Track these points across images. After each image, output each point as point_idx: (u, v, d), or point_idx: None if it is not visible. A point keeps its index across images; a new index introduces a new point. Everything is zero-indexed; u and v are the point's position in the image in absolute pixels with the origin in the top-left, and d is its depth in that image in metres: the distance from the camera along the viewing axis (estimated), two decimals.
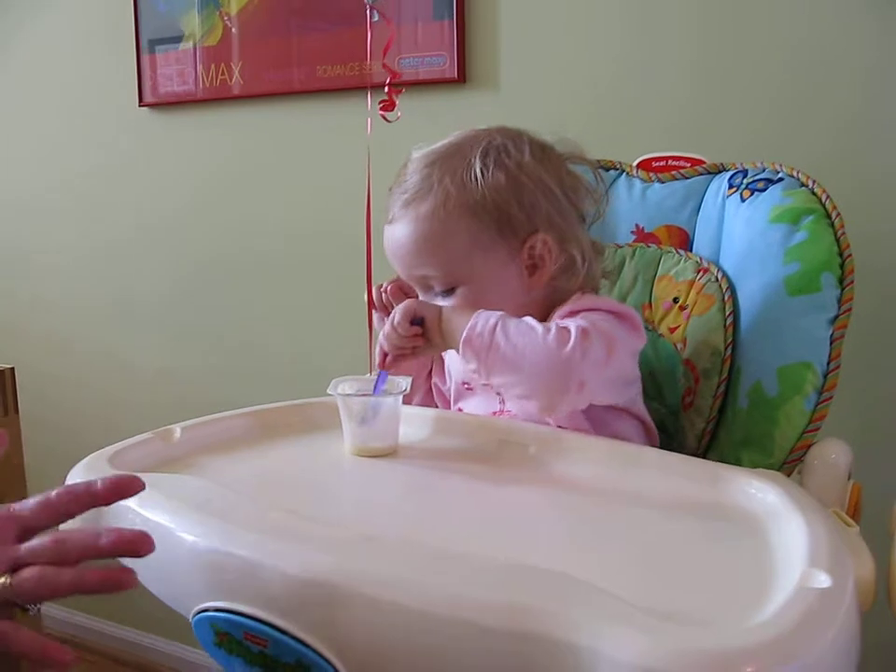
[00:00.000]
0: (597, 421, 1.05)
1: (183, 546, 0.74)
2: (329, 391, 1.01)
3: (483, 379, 0.99)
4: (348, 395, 1.01)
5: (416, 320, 1.01)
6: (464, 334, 0.97)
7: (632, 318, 1.05)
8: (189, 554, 0.74)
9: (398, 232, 1.07)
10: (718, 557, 0.76)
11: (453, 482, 0.93)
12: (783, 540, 0.76)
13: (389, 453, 1.01)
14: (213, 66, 1.98)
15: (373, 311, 1.18)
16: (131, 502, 0.77)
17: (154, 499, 0.79)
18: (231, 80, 1.96)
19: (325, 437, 1.07)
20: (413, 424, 1.08)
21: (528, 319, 0.98)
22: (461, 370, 1.16)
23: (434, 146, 1.10)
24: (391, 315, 1.02)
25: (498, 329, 0.96)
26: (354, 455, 1.01)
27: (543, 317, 1.06)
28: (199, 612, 0.72)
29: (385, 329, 1.03)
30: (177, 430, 1.01)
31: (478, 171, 1.05)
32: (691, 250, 1.24)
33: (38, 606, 0.64)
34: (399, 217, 1.07)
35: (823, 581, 0.65)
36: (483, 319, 0.97)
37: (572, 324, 0.97)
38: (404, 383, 1.03)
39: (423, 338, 1.02)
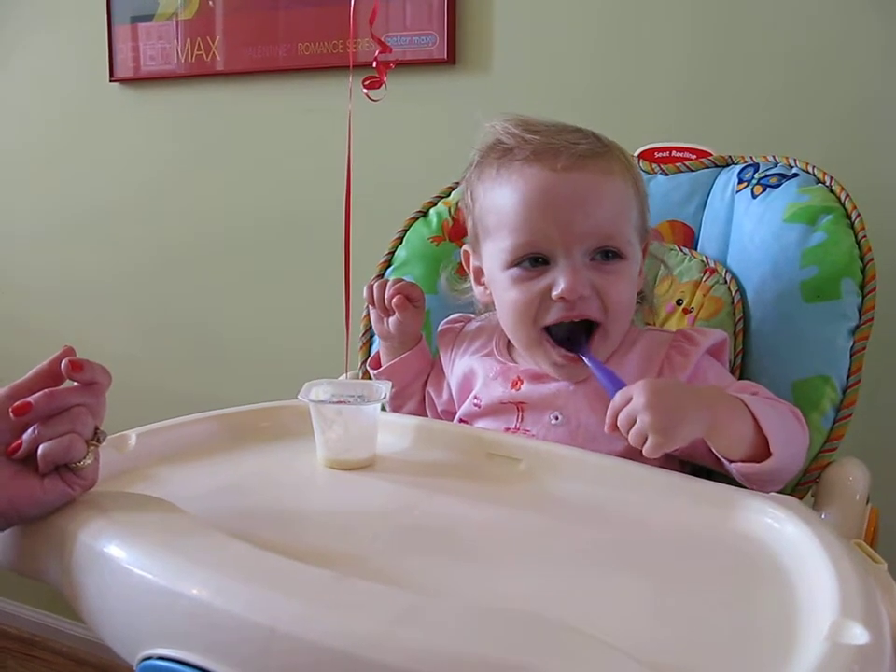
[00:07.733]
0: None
1: (128, 580, 0.65)
2: (299, 397, 0.92)
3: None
4: (321, 401, 0.92)
5: None
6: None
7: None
8: (133, 591, 0.65)
9: (582, 178, 0.94)
10: (734, 601, 0.67)
11: (434, 502, 0.85)
12: (807, 581, 0.67)
13: (365, 465, 0.92)
14: (188, 41, 1.89)
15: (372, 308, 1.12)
16: (73, 524, 0.71)
17: (98, 523, 0.71)
18: (207, 56, 1.87)
19: (297, 445, 0.98)
20: (394, 432, 1.00)
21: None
22: (489, 387, 1.06)
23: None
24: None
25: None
26: (327, 467, 0.92)
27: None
28: (144, 660, 0.63)
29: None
30: (132, 437, 0.92)
31: (629, 157, 1.01)
32: (696, 248, 1.17)
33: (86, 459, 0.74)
34: (577, 166, 0.94)
35: (859, 635, 0.56)
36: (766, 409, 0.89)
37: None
38: (384, 389, 0.94)
39: None
